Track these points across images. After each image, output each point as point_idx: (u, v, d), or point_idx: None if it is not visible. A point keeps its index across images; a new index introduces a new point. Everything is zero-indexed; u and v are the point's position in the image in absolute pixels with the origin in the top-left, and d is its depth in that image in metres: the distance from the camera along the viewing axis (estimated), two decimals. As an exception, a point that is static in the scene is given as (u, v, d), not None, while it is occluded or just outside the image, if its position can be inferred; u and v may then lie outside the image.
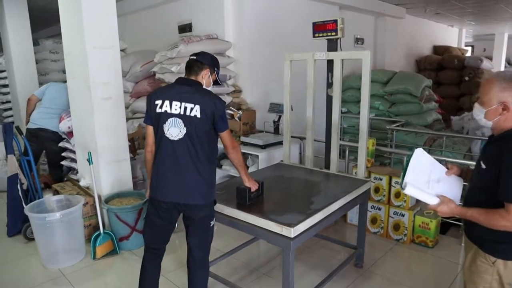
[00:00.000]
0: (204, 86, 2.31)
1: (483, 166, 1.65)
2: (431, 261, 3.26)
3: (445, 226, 4.06)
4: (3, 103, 7.03)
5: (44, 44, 6.74)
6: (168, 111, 2.19)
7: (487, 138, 3.47)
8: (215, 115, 2.18)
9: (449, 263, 3.19)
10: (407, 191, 1.69)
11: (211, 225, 2.34)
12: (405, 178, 1.72)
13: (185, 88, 2.23)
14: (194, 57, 2.30)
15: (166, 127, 2.20)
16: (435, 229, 3.40)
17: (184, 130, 2.17)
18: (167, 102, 2.20)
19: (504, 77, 1.60)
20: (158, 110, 2.22)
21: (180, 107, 2.17)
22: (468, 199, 1.75)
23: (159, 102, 2.22)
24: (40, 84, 6.53)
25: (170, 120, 2.18)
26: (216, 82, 2.42)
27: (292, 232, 2.07)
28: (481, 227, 1.61)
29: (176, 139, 2.18)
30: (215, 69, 2.36)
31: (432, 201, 1.71)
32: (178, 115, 2.17)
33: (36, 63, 6.54)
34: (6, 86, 6.79)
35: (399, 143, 5.46)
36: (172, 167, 2.21)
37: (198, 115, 2.16)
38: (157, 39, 6.01)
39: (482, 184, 1.67)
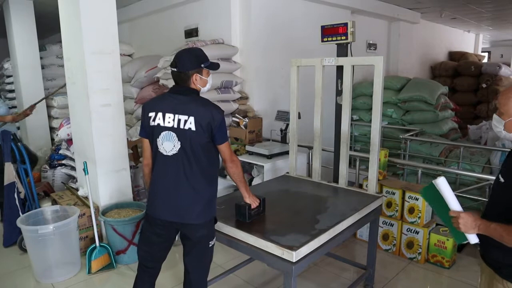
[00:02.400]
0: (201, 89, 2.13)
1: (502, 179, 1.57)
2: (448, 283, 3.02)
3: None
4: (9, 108, 6.98)
5: (52, 49, 6.67)
6: (161, 124, 2.03)
7: (508, 150, 3.26)
8: (212, 127, 1.99)
9: (467, 286, 2.95)
10: (440, 180, 1.61)
11: (210, 245, 2.14)
12: (438, 178, 1.65)
13: (179, 98, 2.05)
14: (175, 69, 2.05)
15: (159, 141, 2.04)
16: (452, 248, 3.16)
17: (178, 145, 2.01)
18: (160, 115, 2.04)
19: None
20: (151, 123, 2.06)
21: (173, 120, 2.01)
22: (486, 214, 1.62)
23: (152, 114, 2.07)
24: (46, 89, 6.48)
25: (163, 134, 2.03)
26: (215, 67, 2.16)
27: (294, 256, 1.88)
28: (499, 250, 1.51)
29: (170, 154, 2.03)
30: (202, 65, 2.08)
31: (457, 206, 1.59)
32: (171, 128, 2.01)
33: (43, 68, 6.47)
34: (12, 91, 6.74)
35: (413, 153, 5.21)
36: (166, 184, 2.06)
37: (193, 128, 1.98)
38: (164, 44, 5.89)
39: (500, 199, 1.59)
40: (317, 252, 2.07)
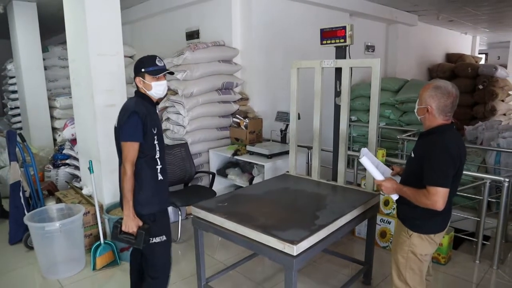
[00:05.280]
0: (150, 93, 2.24)
1: (412, 155, 2.09)
2: (443, 279, 3.10)
3: (458, 240, 3.90)
4: (12, 109, 7.06)
5: (54, 50, 6.75)
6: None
7: (502, 150, 3.43)
8: (120, 123, 2.17)
9: (463, 281, 3.04)
10: (361, 160, 2.15)
11: (151, 241, 2.23)
12: (362, 151, 2.27)
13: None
14: None
15: None
16: (447, 245, 3.25)
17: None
18: None
19: (436, 87, 1.96)
20: None
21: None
22: (402, 180, 2.15)
23: None
24: (49, 90, 6.56)
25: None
26: (156, 73, 2.20)
27: (295, 249, 1.96)
28: (405, 206, 2.07)
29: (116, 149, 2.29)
30: (142, 69, 2.20)
31: (379, 176, 2.14)
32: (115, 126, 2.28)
33: (45, 69, 6.54)
34: (15, 92, 6.81)
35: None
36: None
37: (116, 125, 2.23)
38: (165, 46, 5.97)
39: (410, 169, 2.10)
40: (317, 247, 2.15)
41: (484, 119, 7.81)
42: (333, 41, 3.10)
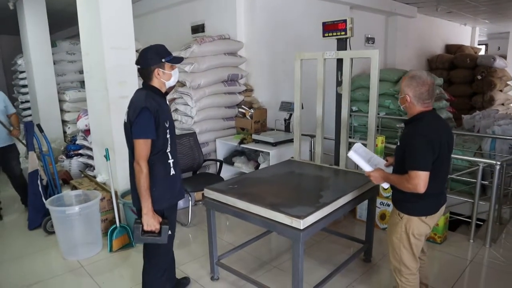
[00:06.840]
0: (166, 83, 2.22)
1: (398, 143, 2.24)
2: (439, 257, 3.30)
3: (456, 223, 4.10)
4: (22, 102, 7.26)
5: (62, 45, 6.90)
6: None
7: (497, 136, 3.89)
8: (131, 120, 2.12)
9: (457, 259, 3.24)
10: (349, 154, 2.33)
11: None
12: (353, 146, 2.37)
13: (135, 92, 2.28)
14: (138, 66, 2.22)
15: None
16: (443, 225, 3.44)
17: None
18: None
19: (412, 76, 2.10)
20: None
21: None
22: (394, 169, 2.28)
23: None
24: (57, 84, 6.74)
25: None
26: (177, 61, 2.25)
27: (302, 223, 2.16)
28: (396, 191, 2.19)
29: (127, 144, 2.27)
30: (162, 59, 2.16)
31: (367, 168, 2.30)
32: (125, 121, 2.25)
33: (54, 64, 6.72)
34: (25, 86, 7.00)
35: (409, 141, 5.47)
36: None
37: (126, 120, 2.20)
38: (170, 40, 6.09)
39: (397, 157, 2.21)
40: (321, 222, 2.35)
41: (483, 109, 7.99)
42: (334, 34, 3.27)
